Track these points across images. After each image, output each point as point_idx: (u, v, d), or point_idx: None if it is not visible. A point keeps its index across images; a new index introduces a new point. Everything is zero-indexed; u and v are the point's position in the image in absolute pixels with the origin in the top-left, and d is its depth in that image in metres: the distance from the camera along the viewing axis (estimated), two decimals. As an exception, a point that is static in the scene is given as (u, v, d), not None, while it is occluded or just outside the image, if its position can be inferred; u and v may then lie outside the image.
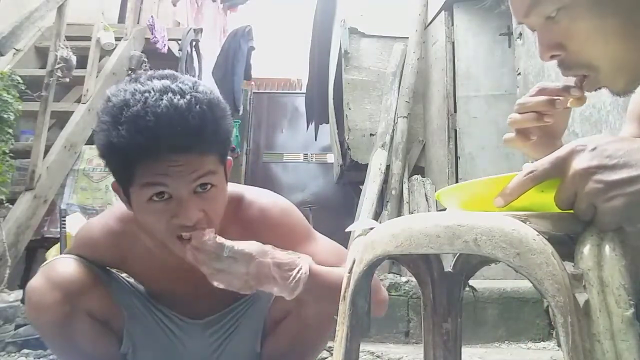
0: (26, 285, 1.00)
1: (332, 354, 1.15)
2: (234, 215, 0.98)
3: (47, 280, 0.97)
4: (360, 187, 3.90)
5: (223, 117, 0.87)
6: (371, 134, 4.12)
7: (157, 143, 0.78)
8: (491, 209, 0.53)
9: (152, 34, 4.04)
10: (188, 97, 0.80)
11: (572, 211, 0.48)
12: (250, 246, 0.85)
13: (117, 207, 1.04)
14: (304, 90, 6.92)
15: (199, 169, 0.83)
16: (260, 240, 0.90)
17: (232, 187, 1.01)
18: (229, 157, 0.94)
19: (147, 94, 0.79)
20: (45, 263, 1.04)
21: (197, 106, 0.80)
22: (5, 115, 2.39)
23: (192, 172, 0.82)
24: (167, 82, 0.82)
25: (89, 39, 3.41)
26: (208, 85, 0.90)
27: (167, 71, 0.88)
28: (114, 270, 1.13)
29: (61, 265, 1.00)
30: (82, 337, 0.99)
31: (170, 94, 0.79)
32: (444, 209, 0.65)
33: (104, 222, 1.05)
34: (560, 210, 0.49)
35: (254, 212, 0.99)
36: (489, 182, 0.54)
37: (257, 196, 1.02)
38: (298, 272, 0.85)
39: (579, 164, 0.46)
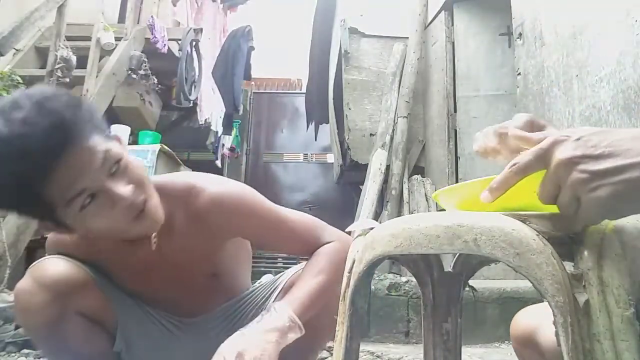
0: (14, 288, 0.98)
1: (332, 354, 1.15)
2: (184, 205, 0.97)
3: (35, 282, 0.94)
4: (360, 187, 3.90)
5: (77, 105, 0.82)
6: (371, 134, 4.13)
7: (41, 164, 0.75)
8: (487, 209, 0.53)
9: (152, 34, 4.03)
10: (30, 108, 0.76)
11: (554, 206, 0.47)
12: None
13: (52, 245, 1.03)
14: (304, 90, 6.92)
15: (92, 156, 0.80)
16: (216, 229, 0.95)
17: (183, 176, 1.02)
18: (112, 132, 0.90)
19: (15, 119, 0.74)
20: (33, 264, 1.01)
21: (44, 111, 0.76)
22: (5, 115, 2.39)
23: (90, 163, 0.79)
24: (5, 106, 0.77)
25: (89, 39, 3.40)
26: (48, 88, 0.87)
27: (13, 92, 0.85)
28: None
29: (49, 266, 0.97)
30: (73, 338, 0.96)
31: (16, 112, 0.75)
32: (444, 209, 0.65)
33: (55, 262, 1.01)
34: (554, 207, 0.48)
35: (205, 202, 0.96)
36: (485, 182, 0.54)
37: (208, 184, 0.98)
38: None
39: (562, 153, 0.45)
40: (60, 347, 0.97)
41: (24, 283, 0.96)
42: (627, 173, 0.42)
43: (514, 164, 0.49)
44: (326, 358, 1.78)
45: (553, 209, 0.49)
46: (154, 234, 0.96)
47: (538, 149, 0.47)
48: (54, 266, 0.97)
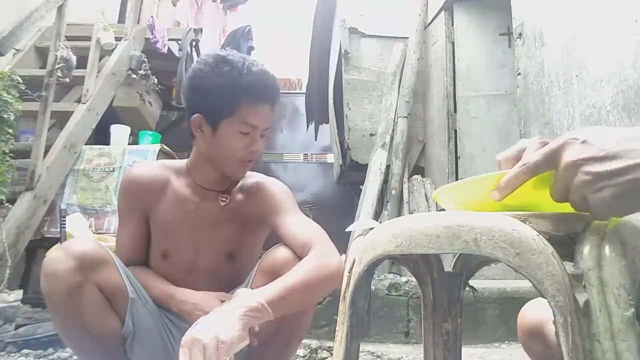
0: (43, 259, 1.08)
1: (332, 354, 1.16)
2: (241, 184, 1.28)
3: (64, 252, 1.05)
4: (360, 187, 3.90)
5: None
6: (371, 134, 4.12)
7: (259, 91, 1.14)
8: (487, 207, 0.53)
9: (152, 34, 4.03)
10: (264, 67, 1.18)
11: (567, 203, 0.48)
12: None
13: (161, 160, 1.32)
14: (304, 90, 6.91)
15: (271, 117, 1.19)
16: (253, 203, 1.23)
17: (249, 171, 1.29)
18: None
19: (242, 60, 1.15)
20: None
21: (272, 75, 1.19)
22: (5, 115, 2.39)
23: (270, 118, 1.18)
24: (246, 56, 1.19)
25: (89, 39, 3.40)
26: None
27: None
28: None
29: (79, 241, 1.14)
30: (89, 309, 1.04)
31: (256, 63, 1.17)
32: (444, 209, 0.65)
33: (147, 166, 1.33)
34: (555, 204, 0.49)
35: (253, 183, 1.28)
36: (484, 180, 0.54)
37: (261, 177, 1.30)
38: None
39: (569, 156, 0.46)
40: (74, 317, 1.03)
41: (54, 253, 1.07)
42: (631, 174, 0.43)
43: (524, 164, 0.50)
44: (326, 358, 1.78)
45: (554, 207, 0.49)
46: (225, 196, 1.25)
47: (548, 149, 0.48)
48: (83, 242, 1.12)
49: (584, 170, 0.45)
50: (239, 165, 1.20)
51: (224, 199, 1.25)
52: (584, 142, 0.46)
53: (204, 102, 1.16)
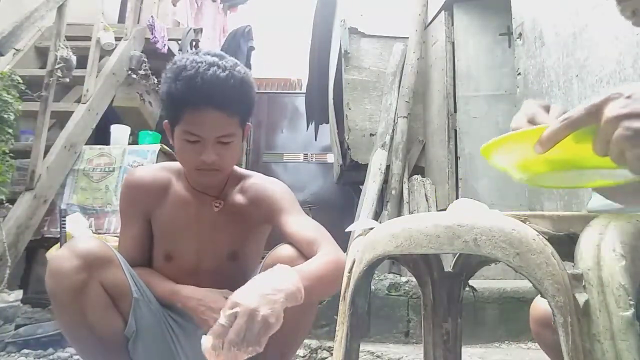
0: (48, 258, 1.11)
1: (332, 354, 1.16)
2: (241, 185, 1.27)
3: (70, 250, 1.05)
4: (360, 187, 3.90)
5: (248, 93, 1.15)
6: (371, 134, 4.12)
7: (199, 99, 1.07)
8: (531, 162, 0.52)
9: (152, 34, 4.03)
10: (227, 72, 1.09)
11: (606, 159, 0.47)
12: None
13: (162, 163, 1.31)
14: (304, 90, 6.91)
15: (224, 125, 1.11)
16: (253, 204, 1.22)
17: (249, 171, 1.31)
18: (248, 123, 1.21)
19: (199, 64, 1.07)
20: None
21: (232, 80, 1.08)
22: (5, 115, 2.39)
23: (219, 126, 1.11)
24: (215, 59, 1.09)
25: (89, 39, 3.40)
26: (245, 68, 1.17)
27: (218, 51, 1.16)
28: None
29: (84, 240, 1.13)
30: (92, 308, 1.04)
31: (215, 67, 1.08)
32: (444, 209, 0.65)
33: (149, 168, 1.32)
34: (599, 158, 0.48)
35: (253, 185, 1.26)
36: (529, 133, 0.53)
37: (261, 177, 1.30)
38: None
39: (611, 111, 0.46)
40: (78, 317, 1.03)
41: (59, 251, 1.08)
42: None
43: (565, 118, 0.49)
44: (326, 358, 1.78)
45: (598, 161, 0.49)
46: (218, 201, 1.24)
47: (591, 104, 0.48)
48: (88, 241, 1.11)
49: (625, 125, 0.45)
50: (197, 175, 1.17)
51: (217, 205, 1.24)
52: (628, 97, 0.46)
53: (164, 109, 1.18)
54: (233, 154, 1.17)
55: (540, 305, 0.81)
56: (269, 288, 0.84)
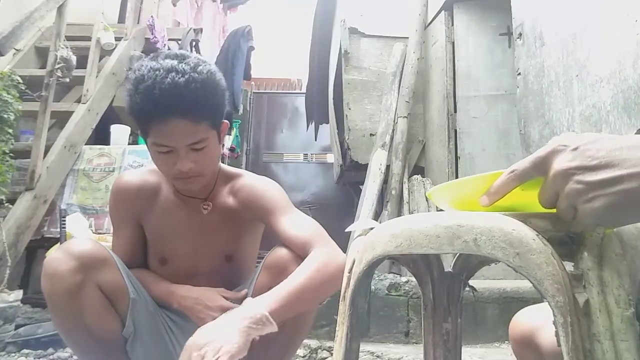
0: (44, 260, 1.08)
1: (332, 354, 1.16)
2: (231, 185, 1.24)
3: (65, 252, 1.05)
4: (360, 187, 3.89)
5: (214, 94, 1.08)
6: (371, 134, 4.12)
7: (161, 111, 1.02)
8: (479, 207, 0.53)
9: (152, 34, 4.03)
10: (187, 76, 1.01)
11: (554, 210, 0.48)
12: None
13: (152, 165, 1.25)
14: (304, 90, 6.91)
15: (193, 132, 1.05)
16: (245, 205, 1.19)
17: (239, 170, 1.29)
18: (224, 121, 1.16)
19: (157, 72, 1.00)
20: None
21: (193, 84, 1.01)
22: (5, 115, 2.39)
23: (187, 134, 1.05)
24: (174, 63, 1.03)
25: (89, 39, 3.40)
26: (210, 65, 1.09)
27: (179, 51, 1.10)
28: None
29: (79, 241, 1.13)
30: (89, 309, 1.03)
31: (173, 73, 1.00)
32: (442, 209, 0.65)
33: (137, 172, 1.29)
34: (544, 210, 0.49)
35: (244, 185, 1.23)
36: (477, 180, 0.54)
37: (252, 176, 1.26)
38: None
39: (559, 164, 0.45)
40: (75, 319, 1.03)
41: (55, 253, 1.07)
42: (624, 184, 0.42)
43: (512, 171, 0.50)
44: (326, 358, 1.78)
45: (542, 210, 0.50)
46: (207, 204, 1.22)
47: (536, 157, 0.48)
48: (84, 242, 1.11)
49: (576, 179, 0.44)
50: (178, 183, 1.16)
51: (206, 207, 1.23)
52: (574, 149, 0.45)
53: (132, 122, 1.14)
54: (210, 157, 1.12)
55: (519, 324, 0.79)
56: (229, 319, 0.87)
